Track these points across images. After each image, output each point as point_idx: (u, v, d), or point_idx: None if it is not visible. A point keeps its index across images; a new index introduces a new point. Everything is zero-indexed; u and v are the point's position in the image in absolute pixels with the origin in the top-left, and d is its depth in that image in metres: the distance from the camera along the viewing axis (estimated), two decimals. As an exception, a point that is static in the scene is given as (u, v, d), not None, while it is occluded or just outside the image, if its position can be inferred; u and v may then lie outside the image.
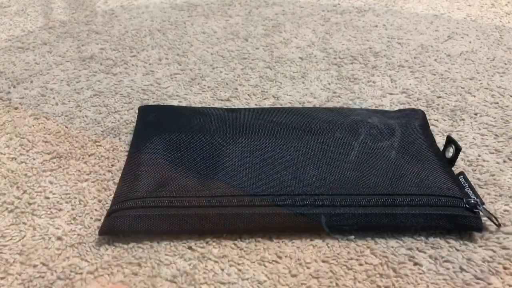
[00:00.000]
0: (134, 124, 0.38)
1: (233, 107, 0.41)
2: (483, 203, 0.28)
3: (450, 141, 0.31)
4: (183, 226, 0.27)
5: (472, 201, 0.28)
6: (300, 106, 0.41)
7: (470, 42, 0.50)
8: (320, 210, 0.27)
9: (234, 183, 0.28)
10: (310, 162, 0.29)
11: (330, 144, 0.31)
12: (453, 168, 0.32)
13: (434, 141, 0.33)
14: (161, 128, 0.32)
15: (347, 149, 0.30)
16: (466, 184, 0.29)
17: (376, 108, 0.39)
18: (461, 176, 0.30)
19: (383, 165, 0.29)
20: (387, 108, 0.40)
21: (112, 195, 0.31)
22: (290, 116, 0.34)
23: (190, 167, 0.29)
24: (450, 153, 0.31)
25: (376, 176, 0.28)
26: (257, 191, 0.28)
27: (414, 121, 0.34)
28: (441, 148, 0.33)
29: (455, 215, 0.27)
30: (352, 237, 0.28)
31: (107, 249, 0.28)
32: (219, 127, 0.32)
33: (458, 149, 0.30)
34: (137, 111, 0.40)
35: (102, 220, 0.29)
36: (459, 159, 0.34)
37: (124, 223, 0.27)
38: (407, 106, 0.41)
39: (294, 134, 0.31)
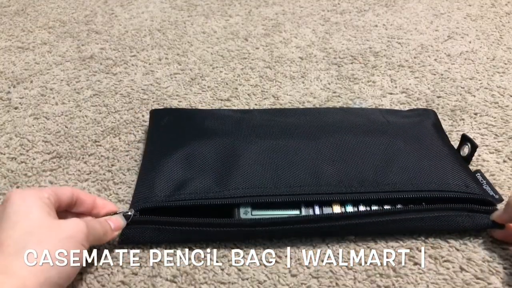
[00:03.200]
0: (134, 124, 0.39)
1: (233, 107, 0.41)
2: (502, 200, 0.28)
3: (465, 139, 0.31)
4: (200, 236, 0.27)
5: (490, 199, 0.27)
6: (300, 106, 0.41)
7: (470, 42, 0.50)
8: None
9: (252, 184, 0.28)
10: (328, 161, 0.29)
11: (346, 143, 0.31)
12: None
13: (448, 139, 0.33)
14: (175, 132, 0.32)
15: (363, 147, 0.30)
16: (484, 182, 0.29)
17: (387, 108, 0.39)
18: (478, 174, 0.29)
19: (400, 163, 0.29)
20: (387, 108, 0.40)
21: (112, 195, 0.32)
22: (304, 116, 0.34)
23: (207, 170, 0.29)
24: (465, 151, 0.31)
25: (394, 173, 0.28)
26: (275, 192, 0.27)
27: (427, 120, 0.34)
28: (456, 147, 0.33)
29: (474, 212, 0.27)
30: (352, 237, 0.28)
31: (107, 249, 0.28)
32: (233, 128, 0.32)
33: (474, 147, 0.30)
34: (136, 111, 0.40)
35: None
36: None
37: (145, 235, 0.27)
38: (407, 106, 0.41)
39: (310, 134, 0.32)
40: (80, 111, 0.40)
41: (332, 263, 0.27)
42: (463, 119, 0.39)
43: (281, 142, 0.31)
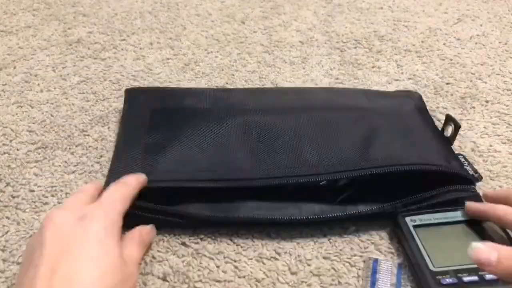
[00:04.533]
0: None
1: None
2: (481, 178, 0.28)
3: (449, 119, 0.31)
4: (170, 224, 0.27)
5: (470, 177, 0.28)
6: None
7: (481, 25, 0.48)
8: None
9: (231, 165, 0.27)
10: (307, 140, 0.29)
11: (326, 121, 0.30)
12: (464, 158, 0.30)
13: (432, 121, 0.33)
14: (152, 111, 0.32)
15: (343, 125, 0.30)
16: (466, 163, 0.29)
17: (372, 89, 0.38)
18: (461, 156, 0.30)
19: (381, 140, 0.29)
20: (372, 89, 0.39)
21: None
22: (283, 95, 0.34)
23: (184, 150, 0.28)
24: (449, 131, 0.31)
25: (374, 150, 0.28)
26: (254, 176, 0.27)
27: (410, 101, 0.34)
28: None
29: (454, 189, 0.27)
30: (353, 227, 0.27)
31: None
32: (212, 107, 0.32)
33: (457, 127, 0.30)
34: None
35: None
36: (468, 149, 0.33)
37: (142, 222, 0.26)
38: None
39: (289, 113, 0.31)
40: (67, 98, 0.39)
41: (334, 259, 0.26)
42: (473, 107, 0.37)
43: (260, 119, 0.30)
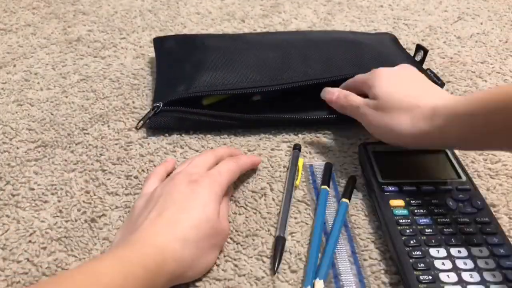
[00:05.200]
0: (124, 110, 0.37)
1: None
2: (444, 84, 0.36)
3: (419, 47, 0.38)
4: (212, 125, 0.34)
5: (434, 80, 0.35)
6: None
7: (481, 23, 0.48)
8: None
9: (248, 78, 0.34)
10: (313, 52, 0.37)
11: (324, 41, 0.39)
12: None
13: (406, 51, 0.40)
14: (181, 48, 0.39)
15: (337, 44, 0.39)
16: (432, 74, 0.36)
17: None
18: (428, 70, 0.37)
19: (367, 52, 0.37)
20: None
21: (100, 186, 0.30)
22: (288, 35, 0.43)
23: (211, 70, 0.35)
24: (419, 56, 0.38)
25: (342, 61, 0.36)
26: (269, 82, 0.34)
27: (388, 37, 0.42)
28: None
29: None
30: (352, 223, 0.27)
31: (95, 244, 0.26)
32: (231, 43, 0.40)
33: (426, 51, 0.37)
34: (126, 97, 0.38)
35: (90, 209, 0.28)
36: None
37: (169, 122, 0.34)
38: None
39: (293, 44, 0.39)
40: (67, 97, 0.38)
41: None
42: (473, 105, 0.37)
43: (271, 42, 0.39)
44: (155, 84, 0.38)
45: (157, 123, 0.34)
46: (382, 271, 0.25)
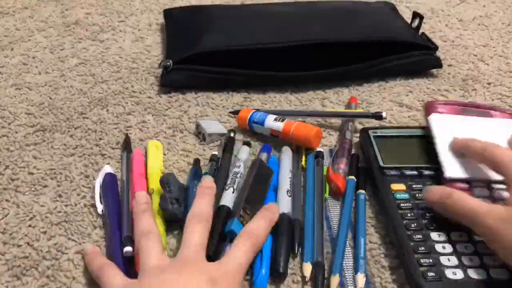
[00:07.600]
0: (123, 94, 0.37)
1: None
2: (437, 48, 0.38)
3: (415, 15, 0.40)
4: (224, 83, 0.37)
5: (427, 44, 0.38)
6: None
7: (484, 6, 0.47)
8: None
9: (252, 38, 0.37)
10: (314, 21, 0.39)
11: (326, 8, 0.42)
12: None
13: (404, 18, 0.42)
14: (189, 15, 0.42)
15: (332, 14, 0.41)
16: (426, 39, 0.39)
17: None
18: (423, 34, 0.40)
19: (363, 19, 0.40)
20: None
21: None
22: (292, 5, 0.44)
23: (218, 31, 0.38)
24: (415, 23, 0.40)
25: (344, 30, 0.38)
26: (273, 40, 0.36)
27: (386, 5, 0.44)
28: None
29: (417, 54, 0.37)
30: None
31: (94, 228, 0.26)
32: (237, 11, 0.43)
33: (421, 18, 0.39)
34: (125, 81, 0.38)
35: (91, 195, 0.28)
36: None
37: (182, 79, 0.36)
38: (415, 76, 0.38)
39: (297, 13, 0.41)
40: (65, 81, 0.38)
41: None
42: (475, 89, 0.37)
43: (275, 10, 0.42)
44: (165, 49, 0.40)
45: (171, 80, 0.36)
46: (382, 255, 0.25)
